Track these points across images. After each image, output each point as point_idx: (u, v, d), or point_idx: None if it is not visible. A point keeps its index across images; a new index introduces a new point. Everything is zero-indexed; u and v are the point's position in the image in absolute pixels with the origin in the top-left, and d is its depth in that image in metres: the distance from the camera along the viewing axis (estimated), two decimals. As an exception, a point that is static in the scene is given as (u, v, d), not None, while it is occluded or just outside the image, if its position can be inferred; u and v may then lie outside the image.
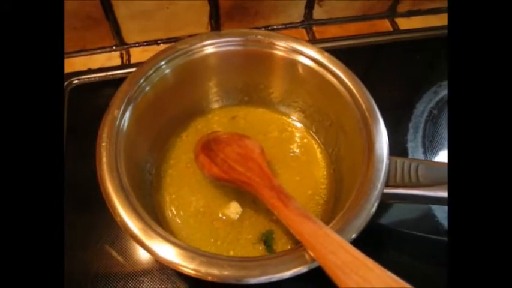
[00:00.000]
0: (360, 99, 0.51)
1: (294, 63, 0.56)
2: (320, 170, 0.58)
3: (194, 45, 0.55)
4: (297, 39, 0.56)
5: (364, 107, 0.50)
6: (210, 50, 0.56)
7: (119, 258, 0.53)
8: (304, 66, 0.55)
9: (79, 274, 0.52)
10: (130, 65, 0.74)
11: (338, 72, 0.53)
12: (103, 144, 0.47)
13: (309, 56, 0.55)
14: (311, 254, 0.39)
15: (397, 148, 0.65)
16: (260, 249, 0.52)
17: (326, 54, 0.55)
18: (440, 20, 0.82)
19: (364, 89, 0.52)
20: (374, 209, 0.44)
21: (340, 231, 0.41)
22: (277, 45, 0.56)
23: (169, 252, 0.40)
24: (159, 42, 0.76)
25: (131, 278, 0.52)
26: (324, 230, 0.40)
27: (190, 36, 0.57)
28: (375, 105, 0.50)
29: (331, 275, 0.37)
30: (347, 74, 0.53)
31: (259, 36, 0.56)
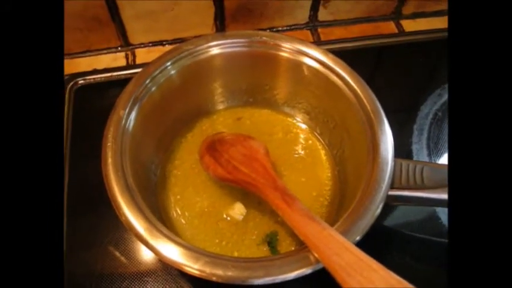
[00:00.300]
0: (364, 100, 0.51)
1: (299, 65, 0.56)
2: (325, 171, 0.58)
3: (199, 46, 0.55)
4: (302, 41, 0.56)
5: (369, 108, 0.50)
6: (215, 51, 0.56)
7: (123, 258, 0.54)
8: (309, 67, 0.55)
9: (83, 274, 0.52)
10: (135, 66, 0.74)
11: (343, 74, 0.53)
12: (109, 144, 0.47)
13: (314, 57, 0.55)
14: (315, 255, 0.39)
15: (402, 150, 0.65)
16: (264, 250, 0.52)
17: (331, 55, 0.55)
18: (445, 22, 0.82)
19: (369, 91, 0.52)
20: (379, 210, 0.44)
21: (344, 232, 0.41)
22: (282, 47, 0.56)
23: (173, 252, 0.40)
24: (164, 43, 0.76)
25: (135, 278, 0.52)
26: (328, 231, 0.40)
27: (195, 37, 0.57)
28: (380, 107, 0.50)
29: (335, 276, 0.37)
30: (352, 75, 0.53)
31: (264, 38, 0.56)
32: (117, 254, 0.54)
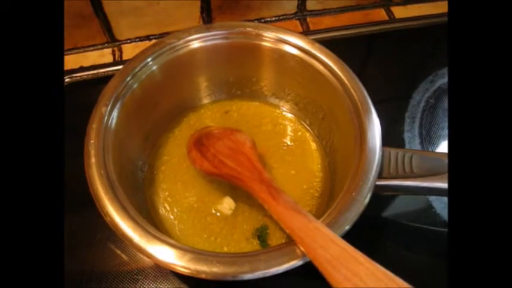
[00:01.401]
0: (352, 90, 0.50)
1: (284, 55, 0.55)
2: (315, 162, 0.58)
3: (181, 40, 0.54)
4: (286, 30, 0.55)
5: (356, 97, 0.50)
6: (197, 44, 0.55)
7: (123, 256, 0.53)
8: (295, 57, 0.55)
9: (82, 272, 0.52)
10: (122, 62, 0.73)
11: (329, 63, 0.52)
12: (91, 141, 0.46)
13: (299, 47, 0.54)
14: (301, 248, 0.39)
15: (394, 139, 0.64)
16: (254, 244, 0.51)
17: (317, 45, 0.54)
18: (436, 8, 0.81)
19: (357, 80, 0.51)
20: (367, 200, 0.43)
21: (332, 224, 0.41)
22: (266, 37, 0.55)
23: (158, 250, 0.40)
24: (151, 37, 0.75)
25: (134, 276, 0.52)
26: (314, 224, 0.39)
27: (178, 31, 0.56)
28: (367, 96, 0.50)
29: (320, 269, 0.36)
30: (339, 64, 0.52)
31: (248, 29, 0.55)
32: (117, 251, 0.54)
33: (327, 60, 0.53)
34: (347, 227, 0.41)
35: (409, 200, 0.59)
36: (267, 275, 0.39)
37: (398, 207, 0.58)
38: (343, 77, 0.51)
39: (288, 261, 0.39)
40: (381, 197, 0.48)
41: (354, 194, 0.43)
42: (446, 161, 0.47)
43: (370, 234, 0.55)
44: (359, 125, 0.48)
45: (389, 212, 0.58)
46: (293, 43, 0.54)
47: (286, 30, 0.55)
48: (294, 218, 0.41)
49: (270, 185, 0.46)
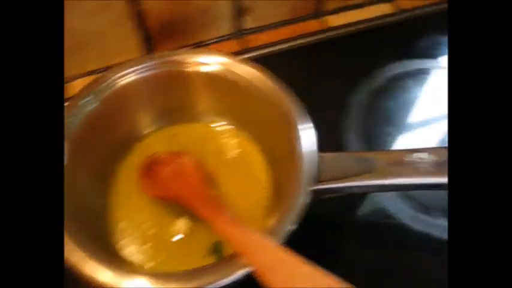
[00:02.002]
0: (283, 100, 0.54)
1: (215, 76, 0.58)
2: (260, 174, 0.60)
3: (117, 75, 0.57)
4: (209, 51, 0.59)
5: (288, 108, 0.53)
6: (133, 77, 0.57)
7: None
8: (223, 77, 0.58)
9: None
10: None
11: (257, 76, 0.56)
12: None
13: (223, 64, 0.57)
14: (244, 259, 0.41)
15: (334, 144, 0.67)
16: (212, 260, 0.53)
17: (242, 61, 0.58)
18: (366, 14, 0.85)
19: (286, 90, 0.54)
20: (303, 205, 0.46)
21: (271, 232, 0.44)
22: (189, 63, 0.58)
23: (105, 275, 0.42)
24: (96, 72, 0.76)
25: None
26: (254, 235, 0.43)
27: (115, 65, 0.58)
28: (299, 105, 0.53)
29: (260, 276, 0.39)
30: (266, 76, 0.56)
31: (174, 57, 0.58)
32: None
33: (256, 76, 0.56)
34: (285, 233, 0.44)
35: (358, 200, 0.63)
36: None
37: (350, 208, 0.63)
38: (274, 89, 0.55)
39: (232, 274, 0.41)
40: (323, 200, 0.51)
41: (290, 201, 0.46)
42: (376, 159, 0.51)
43: (328, 237, 0.57)
44: (293, 134, 0.51)
45: (343, 214, 0.62)
46: (218, 63, 0.58)
47: (209, 51, 0.59)
48: (235, 232, 0.44)
49: (212, 202, 0.49)
